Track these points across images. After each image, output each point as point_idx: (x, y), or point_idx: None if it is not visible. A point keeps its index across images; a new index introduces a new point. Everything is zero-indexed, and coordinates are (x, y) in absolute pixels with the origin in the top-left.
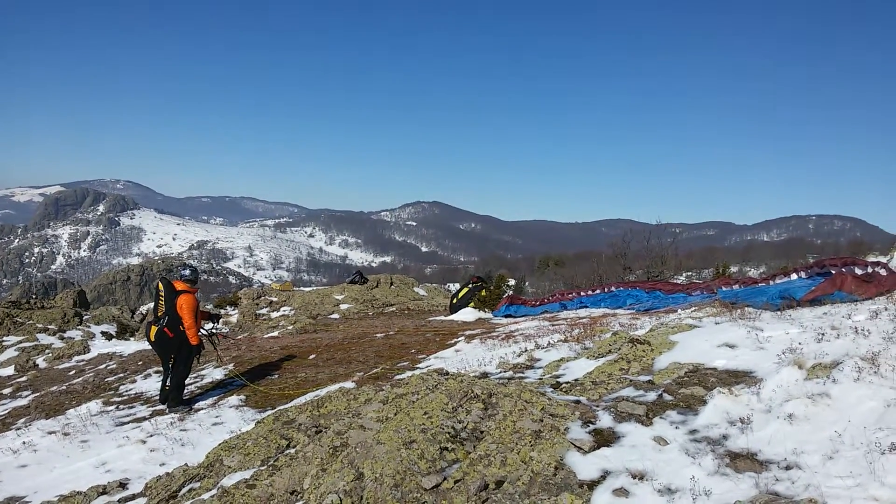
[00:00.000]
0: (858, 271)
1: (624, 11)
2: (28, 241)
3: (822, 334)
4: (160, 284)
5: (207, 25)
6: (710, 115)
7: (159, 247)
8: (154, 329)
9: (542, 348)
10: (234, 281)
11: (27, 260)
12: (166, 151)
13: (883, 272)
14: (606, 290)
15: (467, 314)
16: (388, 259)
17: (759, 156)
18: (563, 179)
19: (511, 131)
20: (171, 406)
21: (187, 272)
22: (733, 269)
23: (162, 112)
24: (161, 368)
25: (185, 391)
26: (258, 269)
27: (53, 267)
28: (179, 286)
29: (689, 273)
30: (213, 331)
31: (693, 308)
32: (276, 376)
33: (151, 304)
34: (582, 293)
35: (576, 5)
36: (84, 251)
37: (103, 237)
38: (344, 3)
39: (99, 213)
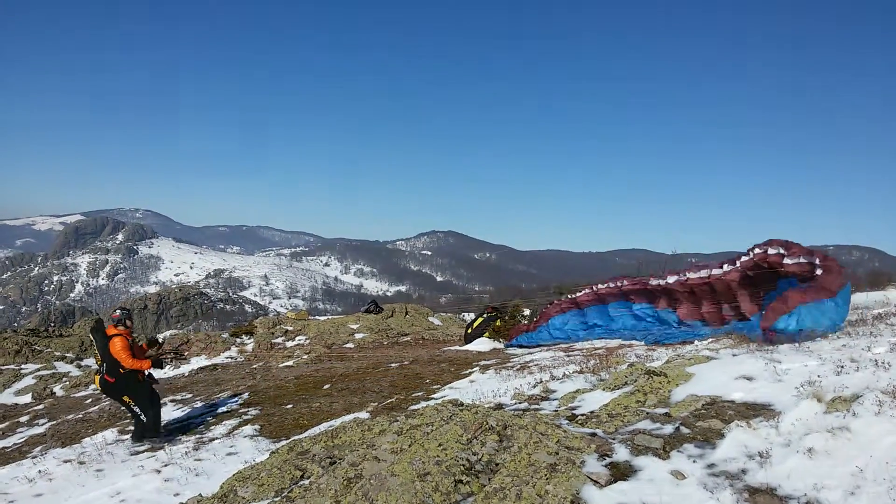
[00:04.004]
0: (796, 265)
1: (649, 43)
2: (48, 270)
3: (842, 367)
4: (90, 333)
5: (223, 58)
6: (726, 144)
7: (177, 275)
8: (97, 378)
9: (558, 379)
10: (249, 309)
11: (46, 288)
12: (185, 181)
13: (819, 271)
14: (596, 296)
15: (482, 344)
16: (403, 288)
17: (776, 185)
18: (577, 208)
19: (526, 161)
20: (148, 437)
21: (117, 312)
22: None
23: (181, 143)
24: (171, 400)
25: (190, 422)
26: (274, 298)
27: (72, 295)
28: (111, 331)
29: None
30: (164, 357)
31: (710, 339)
32: (291, 406)
33: (167, 333)
34: (577, 300)
35: (594, 34)
36: (102, 279)
37: (122, 266)
38: (365, 30)
39: (118, 242)
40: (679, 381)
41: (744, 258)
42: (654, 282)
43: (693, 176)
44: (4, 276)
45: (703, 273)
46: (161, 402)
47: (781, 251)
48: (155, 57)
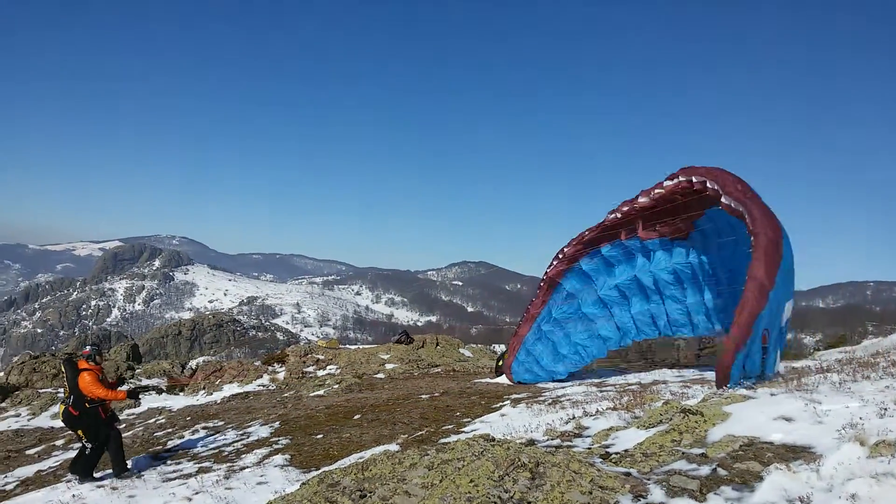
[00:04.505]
0: (728, 207)
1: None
2: (86, 294)
3: (885, 409)
4: (62, 366)
5: (256, 91)
6: (761, 177)
7: (211, 302)
8: (62, 409)
9: (591, 416)
10: (281, 337)
11: (84, 312)
12: (221, 210)
13: (752, 237)
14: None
15: None
16: (433, 318)
17: (814, 220)
18: None
19: (558, 192)
20: (116, 474)
21: (88, 349)
22: (787, 336)
23: (217, 171)
24: (205, 424)
25: (211, 450)
26: (305, 326)
27: (109, 320)
28: (82, 365)
29: None
30: (137, 391)
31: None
32: (321, 436)
33: (200, 359)
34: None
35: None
36: (139, 305)
37: (157, 291)
38: (397, 63)
39: (154, 268)
40: (716, 420)
41: (681, 179)
42: (610, 216)
43: None
44: (45, 300)
45: (652, 195)
46: (118, 445)
47: (716, 187)
48: (192, 92)
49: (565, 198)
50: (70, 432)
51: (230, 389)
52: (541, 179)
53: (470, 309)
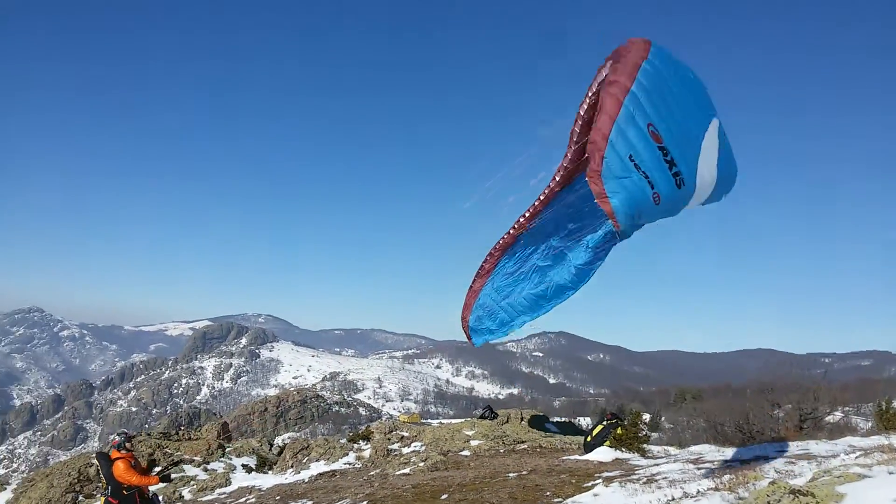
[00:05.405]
0: None
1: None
2: (177, 373)
3: None
4: (96, 460)
5: (329, 179)
6: (858, 238)
7: (295, 378)
8: (102, 500)
9: (691, 496)
10: (363, 412)
11: (175, 391)
12: (304, 287)
13: None
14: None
15: (603, 454)
16: (514, 391)
17: None
18: (695, 307)
19: (633, 257)
20: None
21: (116, 438)
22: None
23: (300, 251)
24: None
25: None
26: (387, 401)
27: (198, 398)
28: (114, 455)
29: (847, 409)
30: (167, 471)
31: (859, 453)
32: None
33: (286, 436)
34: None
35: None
36: (226, 382)
37: (244, 369)
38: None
39: (241, 346)
40: (829, 501)
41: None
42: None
43: (821, 270)
44: (139, 379)
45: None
46: None
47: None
48: (274, 178)
49: (646, 266)
50: None
51: (317, 468)
52: (618, 248)
53: (552, 380)
